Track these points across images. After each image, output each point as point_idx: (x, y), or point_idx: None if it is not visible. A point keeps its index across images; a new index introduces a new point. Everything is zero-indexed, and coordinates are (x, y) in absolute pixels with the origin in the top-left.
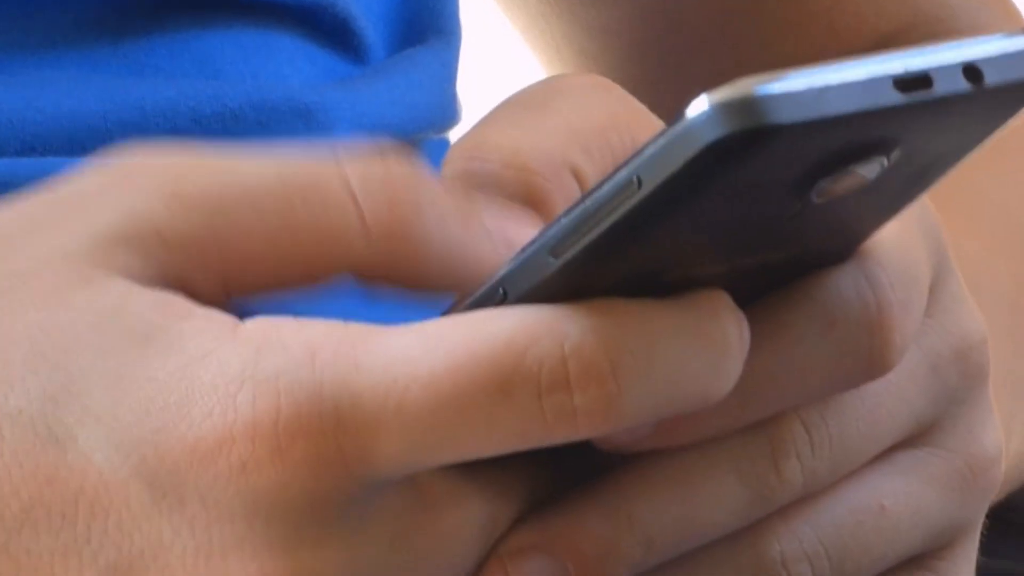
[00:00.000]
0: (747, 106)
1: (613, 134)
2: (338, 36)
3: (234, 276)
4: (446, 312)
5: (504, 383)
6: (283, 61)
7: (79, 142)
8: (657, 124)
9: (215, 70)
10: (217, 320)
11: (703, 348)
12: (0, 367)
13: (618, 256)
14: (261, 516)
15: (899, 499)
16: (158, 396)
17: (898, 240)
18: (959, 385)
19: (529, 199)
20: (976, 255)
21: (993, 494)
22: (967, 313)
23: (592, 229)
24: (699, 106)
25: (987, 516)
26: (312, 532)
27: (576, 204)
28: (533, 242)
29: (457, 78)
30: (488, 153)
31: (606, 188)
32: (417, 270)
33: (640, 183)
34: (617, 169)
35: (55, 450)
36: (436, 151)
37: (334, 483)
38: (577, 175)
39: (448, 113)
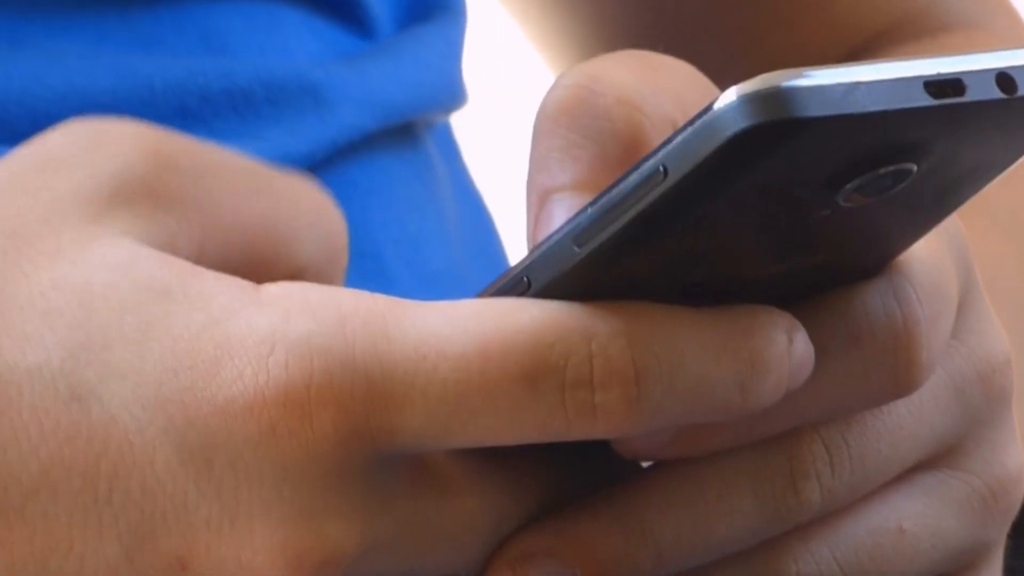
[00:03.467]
0: (774, 98)
1: None
2: (344, 10)
3: (209, 246)
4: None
5: (530, 373)
6: (289, 35)
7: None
8: None
9: (221, 44)
10: (234, 281)
11: (728, 364)
12: (15, 325)
13: (642, 249)
14: (290, 482)
15: (918, 521)
16: (185, 355)
17: (928, 256)
18: (982, 407)
19: (634, 138)
20: (990, 258)
21: (1014, 515)
22: (992, 334)
23: (617, 219)
24: (727, 97)
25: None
26: (336, 502)
27: (602, 194)
28: (559, 230)
29: (462, 57)
30: (604, 86)
31: (632, 177)
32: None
33: (666, 173)
34: (644, 159)
35: (77, 408)
36: (440, 134)
37: (359, 452)
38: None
39: (454, 94)
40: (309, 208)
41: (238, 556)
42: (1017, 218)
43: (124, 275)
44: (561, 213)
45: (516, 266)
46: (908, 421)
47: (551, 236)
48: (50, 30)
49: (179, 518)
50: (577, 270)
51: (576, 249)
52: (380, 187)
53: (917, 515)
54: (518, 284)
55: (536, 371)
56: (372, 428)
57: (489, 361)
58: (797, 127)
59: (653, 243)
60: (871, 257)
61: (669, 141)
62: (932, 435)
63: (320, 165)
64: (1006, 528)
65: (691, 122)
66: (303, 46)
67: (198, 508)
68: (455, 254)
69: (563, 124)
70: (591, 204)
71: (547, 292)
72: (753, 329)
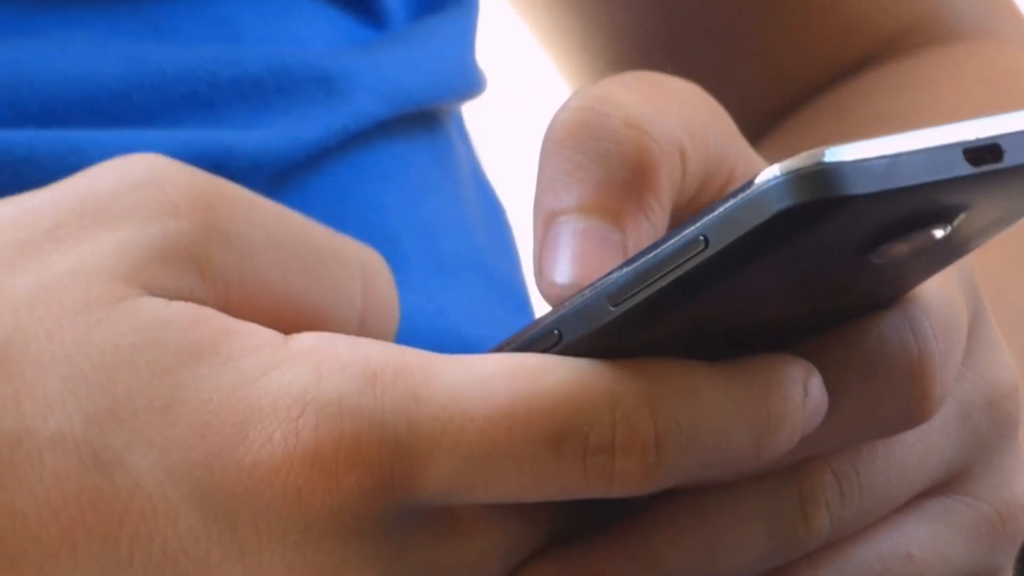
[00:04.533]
0: (819, 177)
1: (711, 133)
2: (358, 1)
3: (238, 314)
4: (500, 347)
5: (555, 437)
6: (302, 24)
7: (99, 106)
8: (739, 140)
9: (234, 32)
10: (265, 335)
11: (746, 425)
12: (37, 389)
13: (676, 311)
14: (312, 542)
15: (927, 547)
16: (214, 418)
17: (941, 289)
18: (990, 433)
19: (641, 161)
20: (997, 268)
21: (1022, 539)
22: (1000, 361)
23: (654, 283)
24: (770, 173)
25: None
26: (355, 557)
27: (640, 255)
28: (593, 286)
29: (475, 47)
30: (612, 108)
31: (671, 243)
32: None
33: (707, 243)
34: (683, 226)
35: (100, 474)
36: (456, 122)
37: (380, 508)
38: (683, 157)
39: (469, 82)
40: (362, 305)
41: None
42: (1020, 231)
43: (154, 339)
44: (567, 236)
45: (545, 317)
46: (917, 449)
47: (584, 291)
48: (62, 20)
49: None
50: (609, 327)
51: (611, 308)
52: (395, 172)
53: (925, 541)
54: (548, 336)
55: (561, 436)
56: (396, 486)
57: (515, 424)
58: (841, 204)
59: (687, 306)
60: (889, 294)
61: (710, 211)
62: (941, 462)
63: (332, 151)
64: (1014, 552)
65: (733, 194)
66: (316, 35)
67: (220, 569)
68: (472, 240)
69: (569, 146)
70: (627, 264)
71: (577, 346)
72: (771, 387)
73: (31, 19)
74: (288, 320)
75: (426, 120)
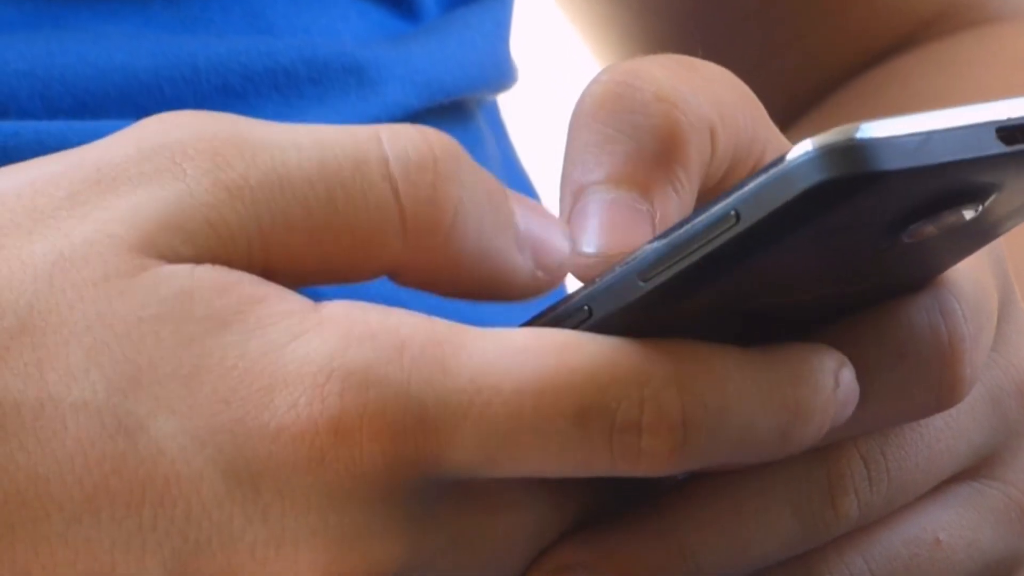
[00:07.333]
0: (851, 152)
1: (742, 116)
2: None
3: (277, 268)
4: (530, 322)
5: (582, 414)
6: (335, 16)
7: (131, 99)
8: (769, 125)
9: (267, 24)
10: (295, 301)
11: (774, 413)
12: (60, 359)
13: (707, 286)
14: (336, 508)
15: (955, 532)
16: (239, 384)
17: (971, 272)
18: (1019, 419)
19: (671, 135)
20: None
21: None
22: None
23: (685, 258)
24: (802, 148)
25: None
26: (380, 524)
27: (670, 231)
28: (624, 262)
29: (510, 38)
30: (643, 82)
31: (702, 218)
32: (448, 274)
33: (738, 218)
34: (714, 201)
35: (124, 441)
36: (489, 114)
37: (405, 478)
38: (713, 135)
39: (503, 73)
40: (398, 207)
41: None
42: None
43: (177, 309)
44: (595, 206)
45: (576, 293)
46: (946, 434)
47: (614, 267)
48: (94, 12)
49: (224, 544)
50: (639, 303)
51: (641, 284)
52: None
53: (953, 526)
54: (578, 312)
55: (588, 412)
56: (420, 457)
57: (542, 399)
58: (871, 180)
59: (718, 281)
60: (919, 275)
61: (741, 186)
62: (969, 448)
63: None
64: None
65: (765, 169)
66: (349, 27)
67: (244, 534)
68: None
69: (599, 119)
70: (657, 240)
71: (607, 322)
72: (801, 377)
73: (64, 12)
74: (327, 251)
75: (456, 111)
